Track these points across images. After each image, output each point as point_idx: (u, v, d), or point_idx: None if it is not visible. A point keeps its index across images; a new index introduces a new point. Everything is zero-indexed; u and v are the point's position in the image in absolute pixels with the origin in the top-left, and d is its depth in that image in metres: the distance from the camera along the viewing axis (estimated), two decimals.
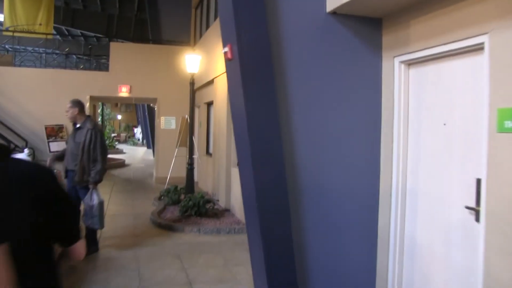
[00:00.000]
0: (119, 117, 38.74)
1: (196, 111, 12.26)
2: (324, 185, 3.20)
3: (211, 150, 10.50)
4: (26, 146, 10.37)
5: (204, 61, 9.22)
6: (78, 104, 5.21)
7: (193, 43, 11.52)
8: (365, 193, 3.36)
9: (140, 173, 14.20)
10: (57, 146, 10.49)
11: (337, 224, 3.25)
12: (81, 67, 16.58)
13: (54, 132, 10.51)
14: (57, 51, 18.68)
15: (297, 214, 3.09)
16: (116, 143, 24.26)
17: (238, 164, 3.50)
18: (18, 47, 15.86)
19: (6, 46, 14.21)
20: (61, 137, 10.68)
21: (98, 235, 5.49)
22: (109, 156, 18.30)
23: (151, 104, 17.19)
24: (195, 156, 8.89)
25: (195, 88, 11.26)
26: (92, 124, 5.17)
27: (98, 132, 5.15)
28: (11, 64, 11.88)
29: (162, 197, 8.75)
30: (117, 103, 35.93)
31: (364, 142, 3.36)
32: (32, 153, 10.47)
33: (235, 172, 7.56)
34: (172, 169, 10.11)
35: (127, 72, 11.55)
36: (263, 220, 2.90)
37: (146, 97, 11.99)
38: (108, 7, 16.42)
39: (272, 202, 2.97)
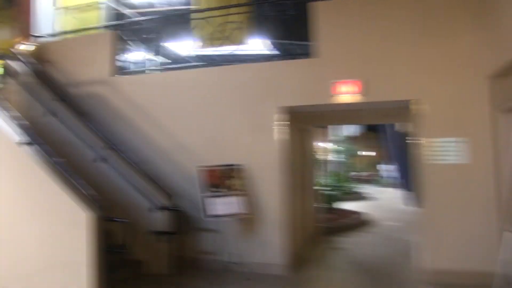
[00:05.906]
0: (363, 153, 33.20)
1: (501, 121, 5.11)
2: None
3: None
4: (169, 207, 5.83)
5: None
6: None
7: None
8: None
9: (387, 247, 7.74)
10: (224, 206, 5.57)
11: None
12: None
13: (216, 180, 5.66)
14: None
15: None
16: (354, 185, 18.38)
17: None
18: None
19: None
20: (231, 188, 5.70)
21: None
22: (340, 207, 12.49)
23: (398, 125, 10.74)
24: None
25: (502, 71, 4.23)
26: None
27: None
28: None
29: None
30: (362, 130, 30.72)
31: None
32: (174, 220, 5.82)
33: None
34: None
35: (352, 55, 5.79)
36: None
37: (392, 99, 5.75)
38: None
39: None
